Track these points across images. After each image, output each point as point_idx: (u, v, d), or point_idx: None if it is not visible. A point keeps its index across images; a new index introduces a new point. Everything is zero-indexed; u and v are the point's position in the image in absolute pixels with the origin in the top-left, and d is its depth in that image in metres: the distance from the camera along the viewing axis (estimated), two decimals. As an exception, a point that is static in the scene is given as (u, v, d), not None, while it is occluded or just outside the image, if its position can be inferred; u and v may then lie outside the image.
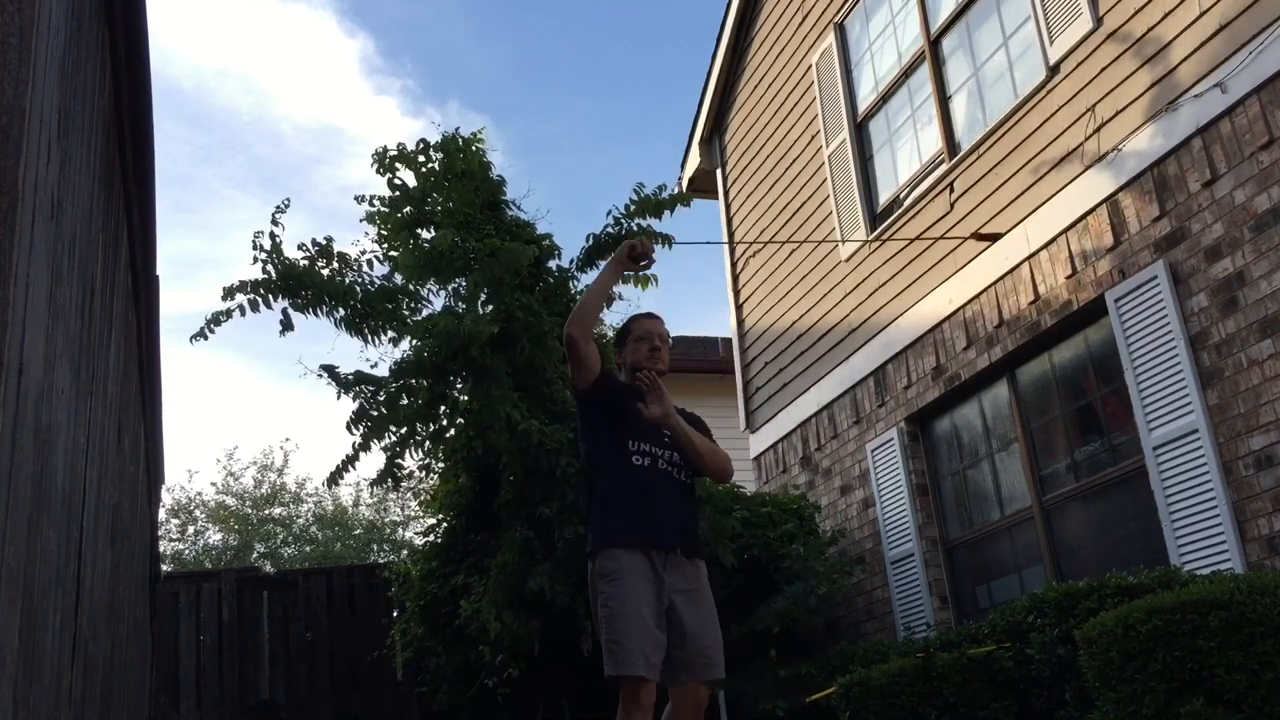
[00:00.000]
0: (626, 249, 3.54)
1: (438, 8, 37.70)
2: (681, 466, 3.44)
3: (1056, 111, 5.69)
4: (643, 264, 3.56)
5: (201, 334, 5.85)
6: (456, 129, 6.46)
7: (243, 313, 5.90)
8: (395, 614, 8.02)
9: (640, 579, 3.18)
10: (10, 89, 1.49)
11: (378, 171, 6.37)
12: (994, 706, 4.64)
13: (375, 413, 6.04)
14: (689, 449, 3.40)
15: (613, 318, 6.59)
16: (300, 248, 6.09)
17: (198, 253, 34.26)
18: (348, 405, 6.15)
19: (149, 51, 3.38)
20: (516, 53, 38.98)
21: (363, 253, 6.33)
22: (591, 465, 3.47)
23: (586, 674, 5.87)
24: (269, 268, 5.94)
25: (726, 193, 9.58)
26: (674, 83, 40.67)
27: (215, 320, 5.89)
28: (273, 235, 5.98)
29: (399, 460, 6.19)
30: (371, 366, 6.93)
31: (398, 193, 6.38)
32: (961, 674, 4.70)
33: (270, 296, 5.94)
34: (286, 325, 6.00)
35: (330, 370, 6.04)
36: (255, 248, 5.92)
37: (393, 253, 6.35)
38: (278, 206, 6.05)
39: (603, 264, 6.70)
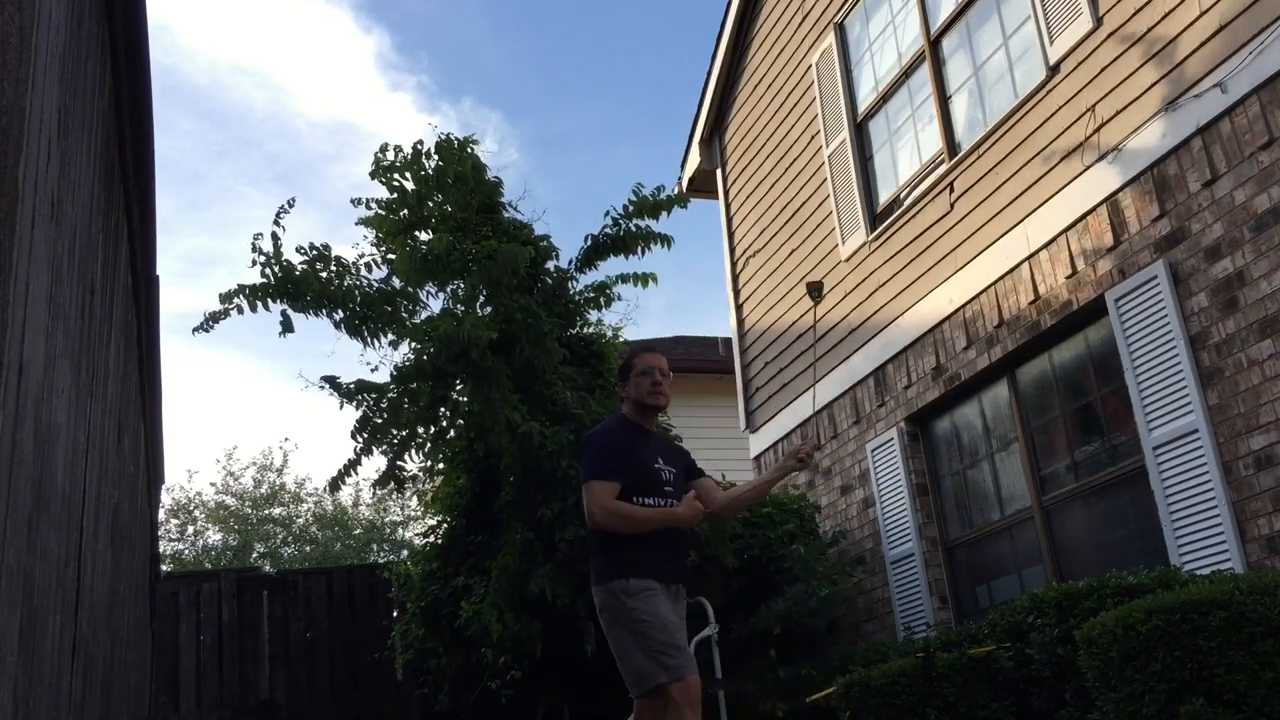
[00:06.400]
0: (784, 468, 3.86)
1: (454, 3, 37.68)
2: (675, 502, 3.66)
3: (1056, 111, 5.68)
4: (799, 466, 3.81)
5: (203, 327, 5.95)
6: (449, 134, 6.47)
7: (240, 312, 5.95)
8: (396, 615, 8.02)
9: (663, 598, 3.39)
10: (11, 88, 1.49)
11: (375, 179, 6.38)
12: (994, 706, 4.64)
13: (378, 420, 6.05)
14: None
15: (611, 318, 6.60)
16: (299, 250, 6.10)
17: (210, 249, 34.31)
18: (349, 409, 6.15)
19: (149, 51, 3.38)
20: (531, 50, 38.96)
21: (361, 255, 6.35)
22: None
23: (588, 676, 5.87)
24: (268, 271, 5.95)
25: (726, 193, 9.57)
26: (687, 80, 40.70)
27: (214, 319, 5.98)
28: (274, 236, 5.98)
29: (400, 463, 6.20)
30: (373, 370, 6.93)
31: (396, 195, 6.39)
32: (961, 674, 4.70)
33: (268, 300, 5.97)
34: (286, 327, 6.03)
35: (332, 381, 6.05)
36: (254, 250, 5.93)
37: (390, 255, 6.35)
38: (280, 208, 6.05)
39: (602, 264, 6.73)
